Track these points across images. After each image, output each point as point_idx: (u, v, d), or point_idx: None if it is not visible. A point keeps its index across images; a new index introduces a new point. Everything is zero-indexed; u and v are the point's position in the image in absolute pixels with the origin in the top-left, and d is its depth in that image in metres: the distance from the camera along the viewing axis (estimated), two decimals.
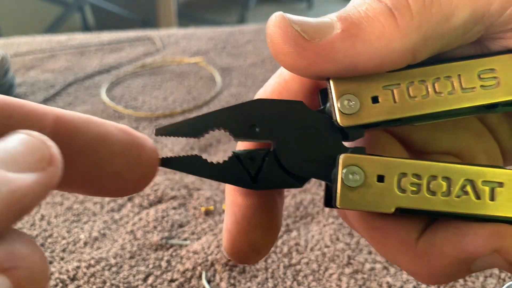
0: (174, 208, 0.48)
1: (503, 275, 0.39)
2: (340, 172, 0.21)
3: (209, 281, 0.39)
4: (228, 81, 0.78)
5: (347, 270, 0.40)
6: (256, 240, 0.23)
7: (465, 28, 0.21)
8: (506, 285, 0.38)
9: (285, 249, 0.42)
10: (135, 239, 0.44)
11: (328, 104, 0.23)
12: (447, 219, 0.22)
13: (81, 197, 0.50)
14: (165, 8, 2.30)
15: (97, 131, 0.19)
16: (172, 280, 0.40)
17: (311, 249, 0.42)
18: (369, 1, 0.21)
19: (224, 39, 0.97)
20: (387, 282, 0.39)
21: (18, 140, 0.15)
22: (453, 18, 0.20)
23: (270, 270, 0.40)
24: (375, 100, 0.22)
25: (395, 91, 0.22)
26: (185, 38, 0.98)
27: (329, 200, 0.24)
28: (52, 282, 0.39)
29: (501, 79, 0.22)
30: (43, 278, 0.15)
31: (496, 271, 0.39)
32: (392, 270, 0.40)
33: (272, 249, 0.43)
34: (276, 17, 0.21)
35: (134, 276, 0.40)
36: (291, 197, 0.49)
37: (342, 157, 0.22)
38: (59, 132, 0.18)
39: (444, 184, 0.21)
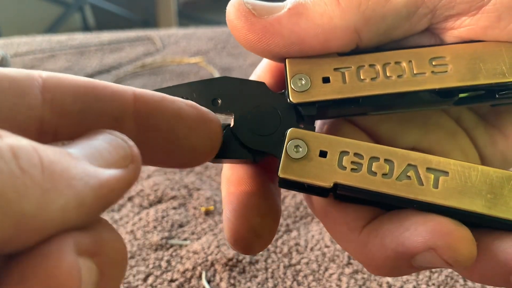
0: (174, 208, 0.48)
1: None
2: (286, 144, 0.23)
3: (209, 281, 0.40)
4: None
5: (347, 270, 0.40)
6: (256, 223, 0.23)
7: (407, 9, 0.22)
8: None
9: (285, 249, 0.42)
10: (135, 239, 0.44)
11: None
12: (396, 212, 0.22)
13: None
14: (165, 8, 2.30)
15: (171, 108, 0.20)
16: (172, 280, 0.40)
17: (311, 249, 0.42)
18: None
19: (224, 39, 0.97)
20: (387, 282, 0.39)
21: (103, 138, 0.16)
22: None
23: (270, 270, 0.40)
24: (326, 80, 0.23)
25: (346, 73, 0.23)
26: (185, 38, 0.98)
27: (282, 182, 0.24)
28: None
29: (452, 67, 0.23)
30: (124, 264, 0.16)
31: None
32: None
33: (272, 249, 0.43)
34: (233, 0, 0.23)
35: (134, 276, 0.40)
36: (291, 197, 0.49)
37: (289, 130, 0.23)
38: (139, 110, 0.19)
39: (387, 166, 0.22)
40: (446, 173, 0.21)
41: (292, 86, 0.23)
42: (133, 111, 0.19)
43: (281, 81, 0.26)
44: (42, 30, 1.93)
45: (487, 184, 0.21)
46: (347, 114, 0.26)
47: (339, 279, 0.39)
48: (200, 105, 0.23)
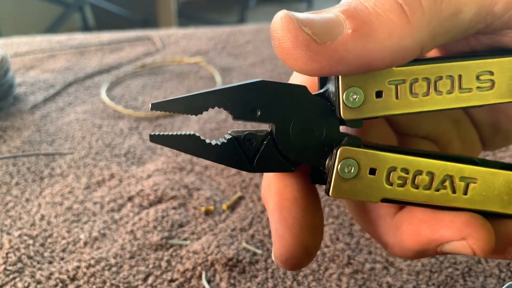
0: (174, 208, 0.48)
1: (503, 275, 0.39)
2: (337, 164, 0.22)
3: (209, 281, 0.39)
4: (228, 81, 0.78)
5: (347, 270, 0.40)
6: (308, 241, 0.23)
7: (469, 25, 0.21)
8: (506, 285, 0.38)
9: None
10: (135, 239, 0.44)
11: (329, 89, 0.23)
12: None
13: (81, 197, 0.50)
14: (165, 8, 2.30)
15: None
16: (172, 280, 0.40)
17: None
18: None
19: (224, 39, 0.97)
20: (387, 282, 0.39)
21: None
22: (460, 14, 0.20)
23: (270, 270, 0.40)
24: (378, 94, 0.22)
25: (399, 86, 0.22)
26: (185, 38, 0.98)
27: (315, 178, 0.25)
28: (52, 282, 0.39)
29: (496, 82, 0.23)
30: None
31: (496, 271, 0.39)
32: (392, 270, 0.40)
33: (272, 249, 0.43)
34: (283, 18, 0.20)
35: (134, 276, 0.40)
36: None
37: (340, 150, 0.22)
38: None
39: (427, 178, 0.23)
40: (475, 179, 0.23)
41: (345, 102, 0.22)
42: None
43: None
44: (42, 30, 1.93)
45: (507, 187, 0.24)
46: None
47: (339, 279, 0.39)
48: (236, 114, 0.22)
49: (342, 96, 0.22)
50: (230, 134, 0.24)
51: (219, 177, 0.53)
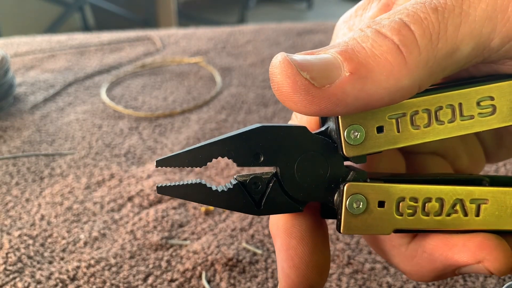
0: (174, 208, 0.48)
1: None
2: (345, 201, 0.22)
3: (209, 281, 0.40)
4: (228, 81, 0.78)
5: (347, 270, 0.40)
6: (314, 280, 0.23)
7: (467, 60, 0.21)
8: (506, 285, 0.38)
9: None
10: (135, 239, 0.44)
11: (328, 126, 0.24)
12: None
13: (81, 197, 0.50)
14: (165, 8, 2.30)
15: None
16: (172, 280, 0.40)
17: None
18: (373, 36, 0.20)
19: (224, 39, 0.97)
20: (387, 282, 0.39)
21: None
22: (457, 52, 0.20)
23: (270, 270, 0.40)
24: (380, 130, 0.22)
25: (400, 120, 0.22)
26: (185, 38, 0.98)
27: (325, 213, 0.25)
28: (52, 282, 0.39)
29: (497, 107, 0.23)
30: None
31: None
32: (392, 270, 0.40)
33: (272, 249, 0.43)
34: (281, 63, 0.20)
35: (134, 276, 0.40)
36: None
37: (346, 186, 0.23)
38: None
39: (437, 204, 0.23)
40: (486, 200, 0.23)
41: (347, 140, 0.22)
42: None
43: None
44: (42, 30, 1.93)
45: None
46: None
47: (339, 279, 0.39)
48: (240, 162, 0.23)
49: (344, 135, 0.22)
50: (236, 179, 0.24)
51: (219, 177, 0.53)
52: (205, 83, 0.78)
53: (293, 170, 0.23)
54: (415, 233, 0.24)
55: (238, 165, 0.23)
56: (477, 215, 0.23)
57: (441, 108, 0.22)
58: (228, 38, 0.97)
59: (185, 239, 0.44)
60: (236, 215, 0.47)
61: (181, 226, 0.46)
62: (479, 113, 0.23)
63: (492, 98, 0.23)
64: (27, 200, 0.50)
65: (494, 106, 0.23)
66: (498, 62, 0.22)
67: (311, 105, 0.20)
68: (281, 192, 0.23)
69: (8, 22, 2.12)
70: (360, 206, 0.22)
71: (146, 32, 1.01)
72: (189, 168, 0.55)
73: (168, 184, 0.24)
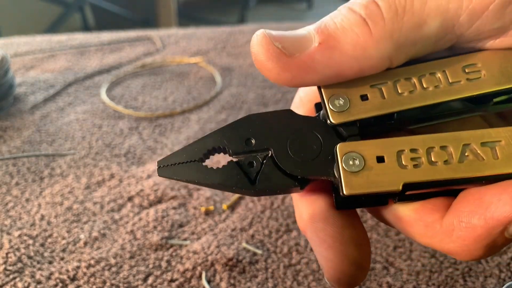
0: (174, 208, 0.48)
1: (503, 275, 0.39)
2: (340, 160, 0.22)
3: (209, 281, 0.40)
4: (228, 81, 0.78)
5: None
6: (355, 256, 0.23)
7: (437, 36, 0.22)
8: (506, 285, 0.38)
9: (285, 249, 0.42)
10: (135, 239, 0.44)
11: (322, 112, 0.24)
12: (465, 193, 0.22)
13: (81, 197, 0.50)
14: (165, 8, 2.30)
15: None
16: (172, 280, 0.40)
17: (311, 249, 0.42)
18: (344, 12, 0.22)
19: (224, 39, 0.97)
20: (387, 282, 0.39)
21: None
22: (424, 26, 0.21)
23: (270, 270, 0.40)
24: (364, 98, 0.23)
25: (383, 88, 0.23)
26: (185, 38, 0.98)
27: (340, 203, 0.24)
28: (52, 282, 0.39)
29: (485, 72, 0.23)
30: None
31: (496, 271, 0.39)
32: (392, 270, 0.40)
33: (272, 249, 0.43)
34: (258, 35, 0.22)
35: (134, 276, 0.40)
36: (291, 197, 0.49)
37: (338, 146, 0.22)
38: None
39: (444, 152, 0.22)
40: (499, 141, 0.22)
41: (331, 107, 0.23)
42: None
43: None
44: (42, 30, 1.93)
45: None
46: (385, 131, 0.25)
47: None
48: (234, 150, 0.24)
49: (328, 103, 0.23)
50: (231, 159, 0.24)
51: None
52: (205, 83, 0.78)
53: (286, 149, 0.24)
54: (432, 188, 0.22)
55: (232, 154, 0.24)
56: (495, 157, 0.21)
57: (423, 75, 0.23)
58: (228, 38, 0.97)
59: (185, 239, 0.44)
60: (236, 215, 0.47)
61: (181, 226, 0.46)
62: (467, 78, 0.23)
63: (476, 65, 0.23)
64: (27, 200, 0.50)
65: (481, 72, 0.23)
66: (477, 42, 0.23)
67: (284, 72, 0.22)
68: (276, 168, 0.23)
69: (8, 22, 2.12)
70: (357, 163, 0.22)
71: (146, 32, 1.01)
72: None
73: (167, 164, 0.24)
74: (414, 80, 0.23)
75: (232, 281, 0.39)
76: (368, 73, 0.22)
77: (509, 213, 0.20)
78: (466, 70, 0.23)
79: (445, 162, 0.22)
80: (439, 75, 0.23)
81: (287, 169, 0.23)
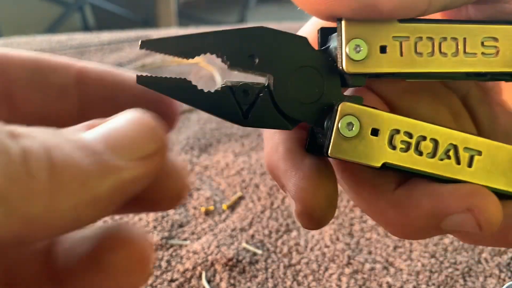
0: (174, 208, 0.48)
1: (503, 275, 0.39)
2: (337, 120, 0.21)
3: (209, 281, 0.40)
4: None
5: (347, 270, 0.40)
6: (330, 187, 0.22)
7: None
8: (506, 285, 0.38)
9: (285, 249, 0.42)
10: None
11: (330, 46, 0.22)
12: (423, 178, 0.23)
13: None
14: (165, 8, 2.30)
15: (114, 79, 0.20)
16: (172, 280, 0.40)
17: (311, 249, 0.42)
18: None
19: None
20: (387, 282, 0.39)
21: (130, 121, 0.15)
22: None
23: (270, 270, 0.40)
24: (383, 49, 0.21)
25: (403, 43, 0.22)
26: None
27: (312, 146, 0.23)
28: None
29: (500, 50, 0.22)
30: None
31: (496, 271, 0.39)
32: (392, 270, 0.40)
33: (272, 249, 0.43)
34: None
35: None
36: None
37: (341, 105, 0.21)
38: (82, 81, 0.19)
39: (431, 145, 0.22)
40: (479, 152, 0.22)
41: (348, 54, 0.21)
42: (76, 82, 0.19)
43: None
44: (42, 30, 1.93)
45: (511, 163, 0.22)
46: (385, 78, 0.24)
47: (339, 279, 0.39)
48: (232, 62, 0.21)
49: (346, 47, 0.21)
50: (225, 83, 0.22)
51: (219, 177, 0.53)
52: (205, 83, 0.78)
53: (287, 82, 0.22)
54: (404, 174, 0.22)
55: (230, 65, 0.22)
56: (470, 165, 0.22)
57: (445, 39, 0.22)
58: None
59: (185, 239, 0.44)
60: (236, 215, 0.47)
61: (181, 226, 0.46)
62: (483, 53, 0.22)
63: (496, 40, 0.22)
64: None
65: (497, 48, 0.22)
66: (500, 0, 0.22)
67: None
68: (271, 105, 0.22)
69: (8, 22, 2.12)
70: (353, 129, 0.21)
71: (146, 32, 1.01)
72: (190, 168, 0.55)
73: (150, 75, 0.21)
74: (435, 42, 0.22)
75: (232, 281, 0.39)
76: (403, 13, 0.20)
77: (457, 205, 0.21)
78: (485, 43, 0.22)
79: (428, 155, 0.22)
80: (459, 42, 0.22)
81: (283, 108, 0.22)
